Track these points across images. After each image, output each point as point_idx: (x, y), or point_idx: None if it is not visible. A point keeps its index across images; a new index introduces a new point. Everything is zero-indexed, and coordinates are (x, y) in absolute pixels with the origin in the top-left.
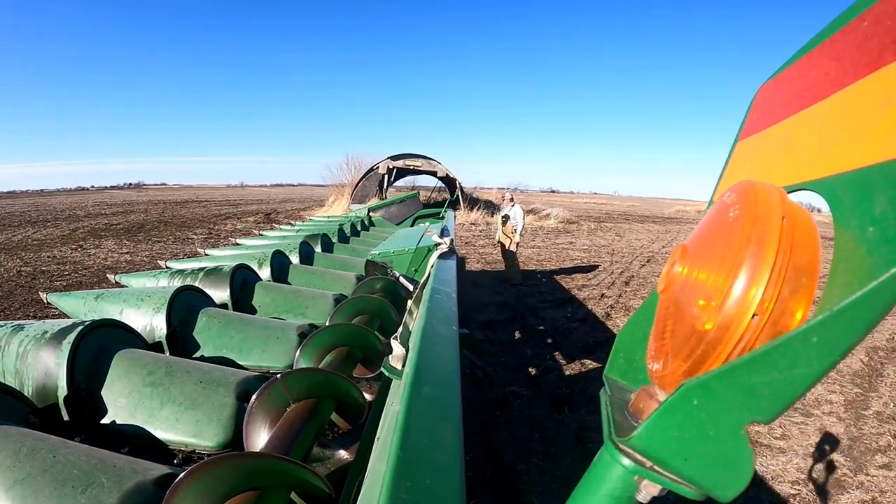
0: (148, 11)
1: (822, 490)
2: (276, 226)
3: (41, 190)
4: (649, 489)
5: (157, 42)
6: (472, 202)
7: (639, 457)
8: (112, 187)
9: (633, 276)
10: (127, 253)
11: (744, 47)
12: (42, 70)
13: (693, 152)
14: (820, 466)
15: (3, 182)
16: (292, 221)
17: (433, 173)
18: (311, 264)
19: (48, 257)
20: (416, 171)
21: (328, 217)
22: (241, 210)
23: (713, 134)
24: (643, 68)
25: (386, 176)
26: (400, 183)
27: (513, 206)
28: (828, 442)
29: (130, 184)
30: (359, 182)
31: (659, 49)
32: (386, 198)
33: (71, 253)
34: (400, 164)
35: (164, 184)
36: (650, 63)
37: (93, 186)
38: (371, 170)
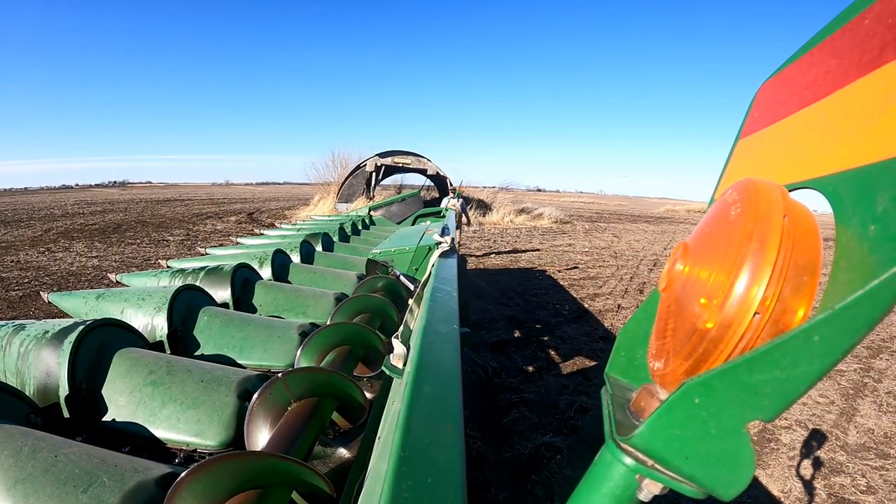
0: (137, 9)
1: None
2: (259, 229)
3: (25, 188)
4: (650, 488)
5: (140, 40)
6: (464, 201)
7: (640, 455)
8: (96, 185)
9: (644, 283)
10: (96, 257)
11: (726, 46)
12: (23, 66)
13: (677, 152)
14: None
15: None
16: (277, 223)
17: (423, 171)
18: (312, 263)
19: (12, 262)
20: (405, 169)
21: (310, 218)
22: (223, 209)
23: (698, 132)
24: (630, 68)
25: (374, 174)
26: (387, 182)
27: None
28: None
29: (115, 182)
30: (345, 180)
31: (642, 48)
32: (373, 197)
33: (37, 257)
34: (388, 161)
35: (149, 182)
36: (636, 62)
37: (77, 185)
38: (358, 167)
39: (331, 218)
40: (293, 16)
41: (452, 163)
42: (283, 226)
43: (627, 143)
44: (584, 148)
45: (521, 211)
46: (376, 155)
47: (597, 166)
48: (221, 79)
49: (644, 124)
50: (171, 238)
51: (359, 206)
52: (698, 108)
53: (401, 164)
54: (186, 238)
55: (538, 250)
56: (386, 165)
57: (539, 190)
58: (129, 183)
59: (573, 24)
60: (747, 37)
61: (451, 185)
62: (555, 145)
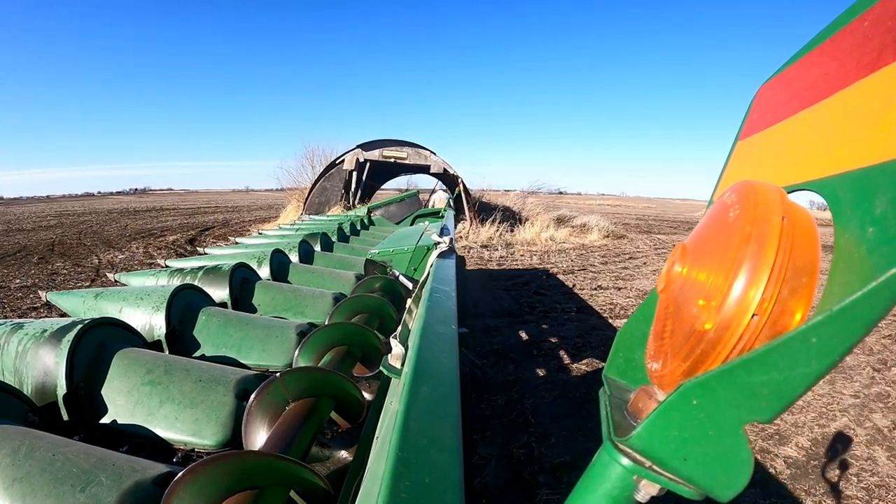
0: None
1: None
2: (174, 259)
3: (48, 196)
4: (648, 489)
5: (166, 46)
6: (484, 210)
7: (638, 456)
8: (117, 193)
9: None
10: None
11: (746, 45)
12: (59, 73)
13: (693, 152)
14: None
15: (15, 187)
16: (207, 248)
17: (425, 168)
18: (311, 263)
19: None
20: (400, 166)
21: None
22: (184, 223)
23: (716, 132)
24: (645, 67)
25: (355, 173)
26: (389, 185)
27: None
28: None
29: (135, 189)
30: (316, 183)
31: (663, 48)
32: (353, 205)
33: None
34: (375, 154)
35: (171, 189)
36: (653, 61)
37: (99, 192)
38: (333, 165)
39: (330, 218)
40: (321, 18)
41: (465, 166)
42: (282, 227)
43: (640, 143)
44: (599, 149)
45: (560, 220)
46: (358, 147)
47: (615, 167)
48: (245, 84)
49: (654, 124)
50: (17, 283)
51: None
52: (703, 106)
53: (393, 159)
54: (37, 283)
55: (625, 313)
56: (372, 161)
57: (561, 193)
58: (150, 190)
59: (572, 25)
60: (749, 37)
61: (463, 185)
62: (569, 147)
